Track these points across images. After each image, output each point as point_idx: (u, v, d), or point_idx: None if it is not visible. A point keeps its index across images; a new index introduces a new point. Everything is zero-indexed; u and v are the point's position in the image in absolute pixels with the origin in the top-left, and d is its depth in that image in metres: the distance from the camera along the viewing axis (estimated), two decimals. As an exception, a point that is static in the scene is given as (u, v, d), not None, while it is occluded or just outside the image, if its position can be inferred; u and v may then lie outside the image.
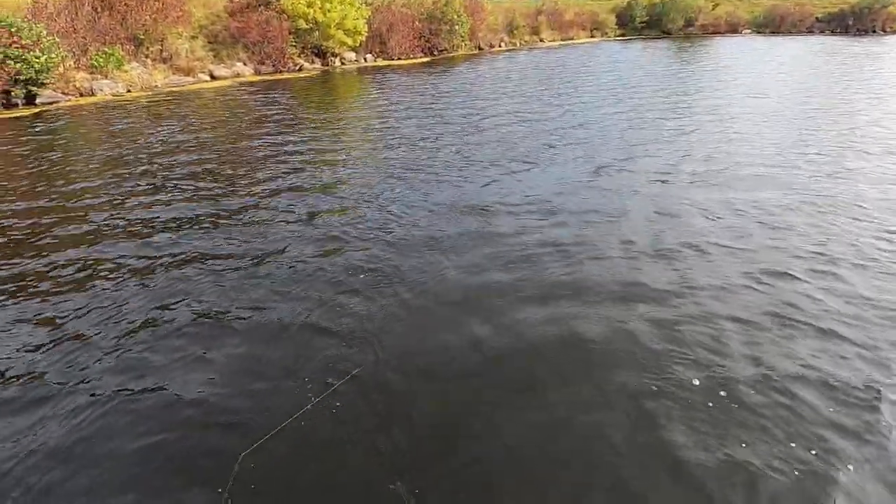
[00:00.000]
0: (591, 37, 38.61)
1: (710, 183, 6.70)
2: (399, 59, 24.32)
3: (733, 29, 42.09)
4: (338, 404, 2.94)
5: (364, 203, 6.22)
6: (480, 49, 29.70)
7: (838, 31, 39.56)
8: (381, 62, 23.68)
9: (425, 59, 24.93)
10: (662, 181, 6.80)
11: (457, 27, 26.68)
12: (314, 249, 4.95)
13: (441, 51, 26.56)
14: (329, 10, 20.34)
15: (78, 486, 2.48)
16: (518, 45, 32.67)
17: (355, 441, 2.70)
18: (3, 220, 5.81)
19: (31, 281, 4.44)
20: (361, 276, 4.39)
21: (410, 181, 7.00)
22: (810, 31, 40.32)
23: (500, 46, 31.48)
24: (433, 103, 13.02)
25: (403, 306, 3.93)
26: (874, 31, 38.37)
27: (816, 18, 41.21)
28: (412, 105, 12.89)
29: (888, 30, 38.42)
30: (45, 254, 4.96)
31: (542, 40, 34.49)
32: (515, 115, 11.40)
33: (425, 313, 3.86)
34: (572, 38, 36.78)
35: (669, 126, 10.03)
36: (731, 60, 22.35)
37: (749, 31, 42.28)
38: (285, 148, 8.88)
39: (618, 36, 39.89)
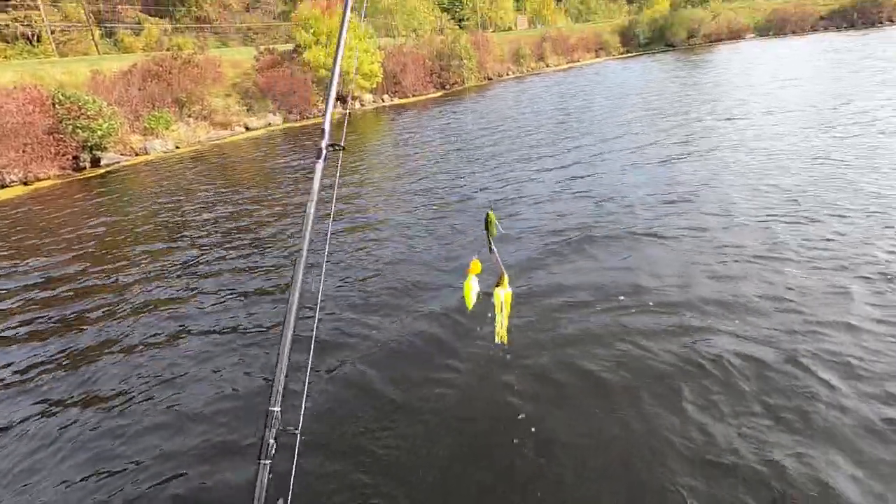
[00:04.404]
0: (596, 57, 39.92)
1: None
2: (413, 95, 25.97)
3: (737, 35, 42.82)
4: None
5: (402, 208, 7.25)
6: (489, 79, 31.26)
7: (844, 26, 39.74)
8: (397, 100, 25.34)
9: (438, 94, 26.53)
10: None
11: (465, 61, 28.36)
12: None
13: (452, 84, 28.18)
14: (346, 58, 22.15)
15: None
16: (525, 71, 34.17)
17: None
18: (71, 268, 7.07)
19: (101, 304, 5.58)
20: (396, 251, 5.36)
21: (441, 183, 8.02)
22: (815, 30, 40.66)
23: (507, 75, 33.02)
24: (443, 131, 14.23)
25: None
26: (880, 23, 38.38)
27: (820, 17, 41.59)
28: (425, 133, 14.12)
29: (895, 19, 38.35)
30: (102, 295, 6.12)
31: (547, 65, 35.96)
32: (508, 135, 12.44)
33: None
34: (577, 61, 38.16)
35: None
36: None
37: (753, 35, 42.92)
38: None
39: (621, 54, 41.10)
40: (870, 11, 39.21)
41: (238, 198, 9.67)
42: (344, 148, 1.57)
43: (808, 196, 6.10)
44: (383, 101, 25.01)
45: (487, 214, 1.15)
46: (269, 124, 20.43)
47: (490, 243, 1.17)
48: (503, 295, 1.05)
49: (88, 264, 6.90)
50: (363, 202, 8.40)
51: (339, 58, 1.54)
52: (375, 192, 9.00)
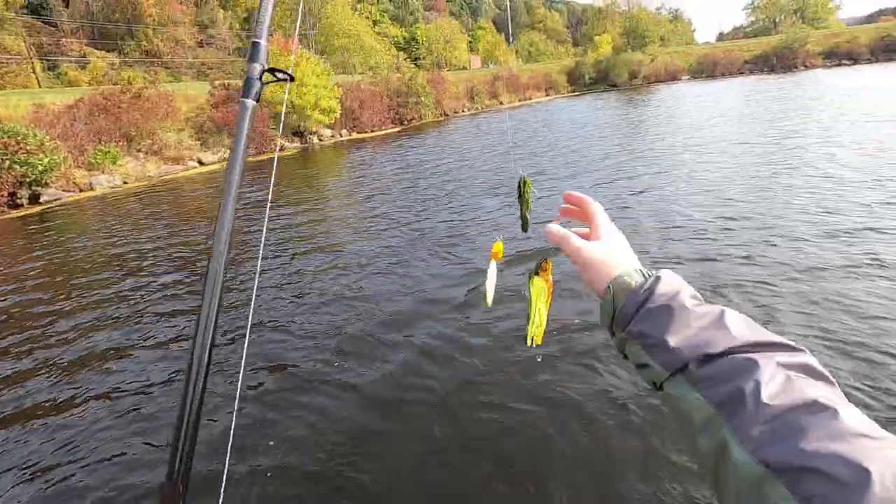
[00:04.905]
0: (546, 95, 42.04)
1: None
2: (372, 131, 26.36)
3: (673, 77, 46.27)
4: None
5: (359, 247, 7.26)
6: (446, 115, 32.20)
7: (765, 70, 43.81)
8: (355, 135, 25.62)
9: (396, 129, 27.04)
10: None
11: (423, 98, 29.19)
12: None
13: (410, 120, 28.84)
14: (305, 94, 22.35)
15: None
16: (479, 108, 35.46)
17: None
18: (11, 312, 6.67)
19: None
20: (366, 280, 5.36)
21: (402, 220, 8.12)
22: (741, 73, 44.57)
23: (463, 111, 34.13)
24: (401, 164, 14.49)
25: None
26: (796, 68, 42.60)
27: (745, 61, 45.74)
28: (383, 167, 14.33)
29: (808, 65, 42.70)
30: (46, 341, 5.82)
31: (501, 103, 37.49)
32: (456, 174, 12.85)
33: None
34: (529, 99, 40.01)
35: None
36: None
37: (687, 77, 46.50)
38: (277, 223, 10.02)
39: (569, 92, 43.48)
40: (787, 58, 43.53)
41: (187, 232, 9.40)
42: (292, 78, 0.98)
43: (720, 218, 6.74)
44: (342, 136, 25.22)
45: (522, 179, 0.82)
46: (225, 159, 20.10)
47: (524, 217, 0.83)
48: (543, 287, 0.75)
49: (23, 299, 6.49)
50: (321, 231, 8.38)
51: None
52: (335, 223, 9.00)
